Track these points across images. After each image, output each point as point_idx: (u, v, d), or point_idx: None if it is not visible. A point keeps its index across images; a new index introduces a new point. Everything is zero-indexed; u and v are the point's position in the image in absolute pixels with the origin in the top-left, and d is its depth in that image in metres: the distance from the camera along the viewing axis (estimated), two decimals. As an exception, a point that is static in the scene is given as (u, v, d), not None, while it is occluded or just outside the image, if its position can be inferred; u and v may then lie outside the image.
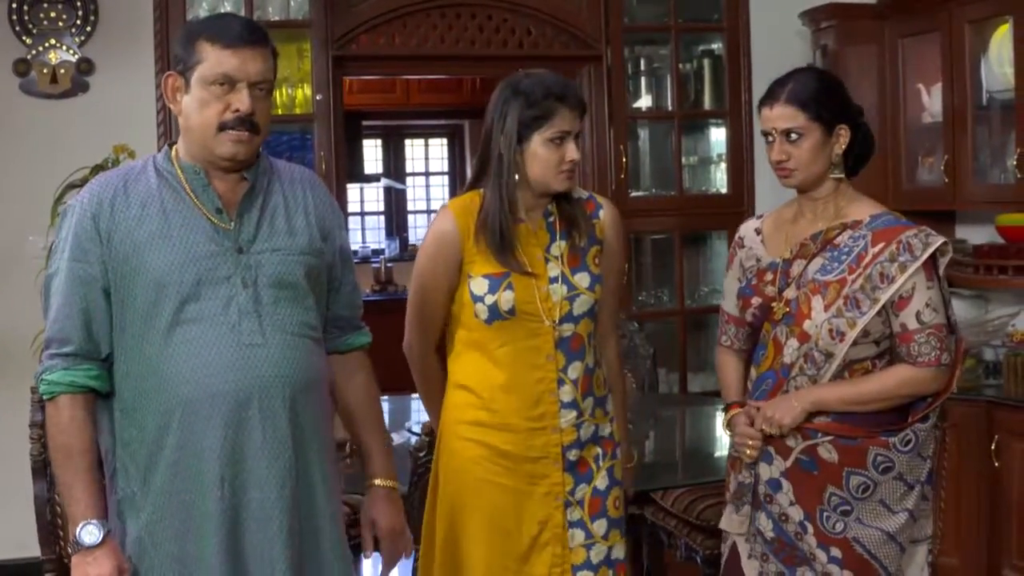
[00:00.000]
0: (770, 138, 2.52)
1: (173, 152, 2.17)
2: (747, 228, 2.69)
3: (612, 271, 2.66)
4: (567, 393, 2.53)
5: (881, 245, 2.44)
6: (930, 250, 2.42)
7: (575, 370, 2.55)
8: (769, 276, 2.56)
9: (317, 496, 2.18)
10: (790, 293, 2.50)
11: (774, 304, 2.52)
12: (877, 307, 2.42)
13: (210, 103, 2.08)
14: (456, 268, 2.54)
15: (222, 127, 2.08)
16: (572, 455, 2.55)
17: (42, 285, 2.15)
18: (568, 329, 2.54)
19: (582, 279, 2.56)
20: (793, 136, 2.48)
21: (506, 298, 2.50)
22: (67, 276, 2.09)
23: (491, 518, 2.53)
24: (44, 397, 2.09)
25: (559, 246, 2.56)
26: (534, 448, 2.53)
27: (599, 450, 2.59)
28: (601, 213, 2.64)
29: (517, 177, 2.51)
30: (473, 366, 2.56)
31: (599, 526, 2.57)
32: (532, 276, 2.52)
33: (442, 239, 2.55)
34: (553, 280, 2.54)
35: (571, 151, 2.49)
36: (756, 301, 2.56)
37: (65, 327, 2.08)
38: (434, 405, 2.67)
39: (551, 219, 2.58)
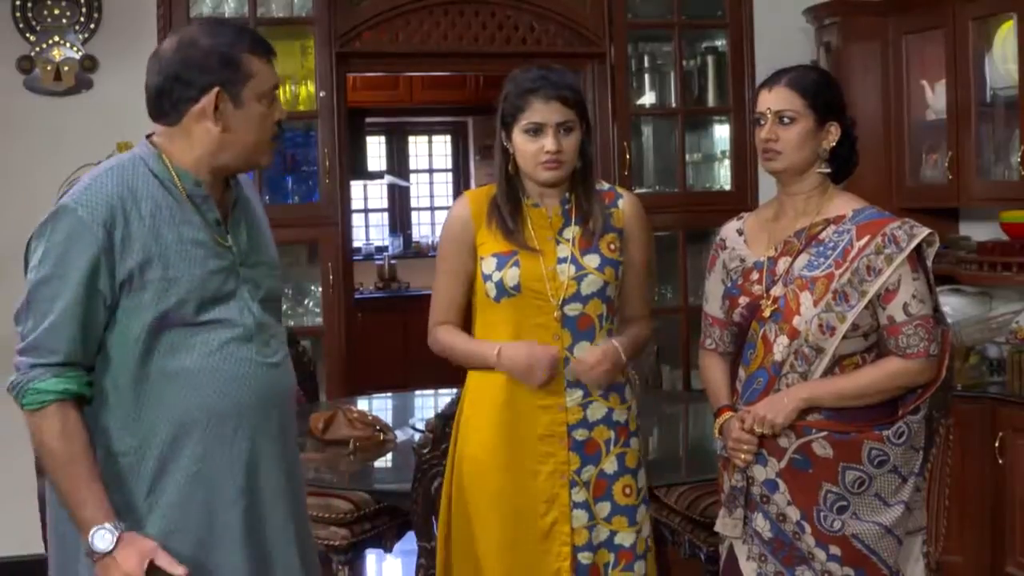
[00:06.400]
0: (762, 120, 2.53)
1: (164, 157, 2.07)
2: (728, 229, 2.69)
3: (635, 259, 2.69)
4: (572, 372, 2.57)
5: (866, 238, 2.45)
6: (915, 241, 2.43)
7: (582, 350, 2.58)
8: (755, 275, 2.56)
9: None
10: (777, 290, 2.50)
11: (762, 302, 2.52)
12: (865, 300, 2.42)
13: (268, 116, 2.10)
14: (471, 251, 2.63)
15: (273, 138, 2.13)
16: (579, 435, 2.59)
17: (28, 289, 2.02)
18: (575, 309, 2.58)
19: (591, 260, 2.60)
20: (786, 119, 2.49)
21: (512, 275, 2.57)
22: (67, 285, 1.97)
23: (501, 499, 2.58)
24: (29, 408, 1.97)
25: (572, 230, 2.62)
26: (541, 426, 2.57)
27: (612, 434, 2.62)
28: (620, 202, 2.68)
29: (511, 168, 2.61)
30: None
31: (601, 508, 2.60)
32: (538, 253, 2.58)
33: (456, 222, 2.67)
34: (562, 260, 2.59)
35: (548, 142, 2.52)
36: (743, 300, 2.56)
37: (60, 336, 1.96)
38: (470, 345, 2.65)
39: (568, 206, 2.64)
